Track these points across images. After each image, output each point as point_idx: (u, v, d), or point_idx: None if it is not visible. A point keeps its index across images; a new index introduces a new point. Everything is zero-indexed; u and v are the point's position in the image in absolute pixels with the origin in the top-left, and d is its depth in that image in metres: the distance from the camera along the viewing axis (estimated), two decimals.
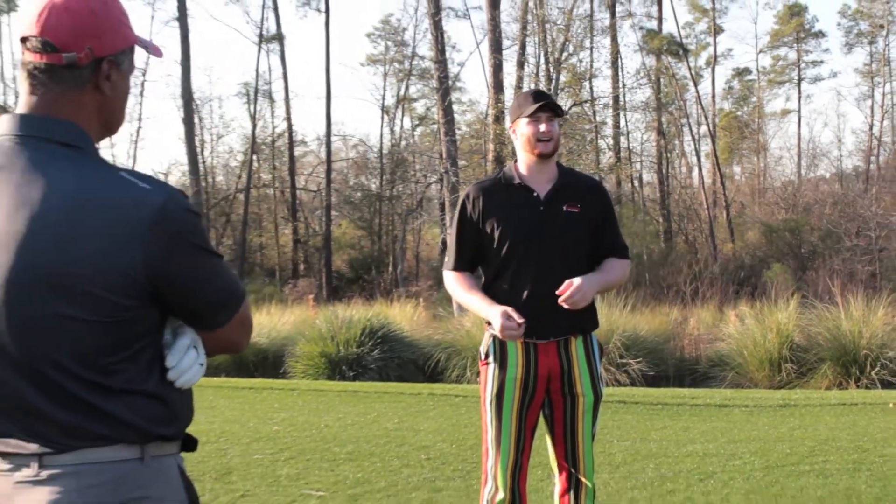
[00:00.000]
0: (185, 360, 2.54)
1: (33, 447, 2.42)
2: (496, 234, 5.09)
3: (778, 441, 9.45)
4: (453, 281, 5.28)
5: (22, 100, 2.52)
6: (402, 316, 22.07)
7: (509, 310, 4.82)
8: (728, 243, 44.67)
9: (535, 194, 5.10)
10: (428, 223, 51.79)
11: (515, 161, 5.30)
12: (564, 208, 5.08)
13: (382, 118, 55.33)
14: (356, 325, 19.20)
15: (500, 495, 5.11)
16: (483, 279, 5.27)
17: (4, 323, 2.38)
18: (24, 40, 2.47)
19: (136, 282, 2.39)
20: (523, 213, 5.08)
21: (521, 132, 5.13)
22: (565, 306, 4.82)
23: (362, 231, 52.40)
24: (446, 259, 5.37)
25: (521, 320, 4.78)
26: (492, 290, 5.12)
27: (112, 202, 2.39)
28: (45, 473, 2.41)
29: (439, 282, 37.19)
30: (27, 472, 2.43)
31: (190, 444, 2.66)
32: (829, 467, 8.28)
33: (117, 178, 2.44)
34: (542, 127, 5.05)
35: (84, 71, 2.49)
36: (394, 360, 18.74)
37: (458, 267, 5.27)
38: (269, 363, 18.82)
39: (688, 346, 19.92)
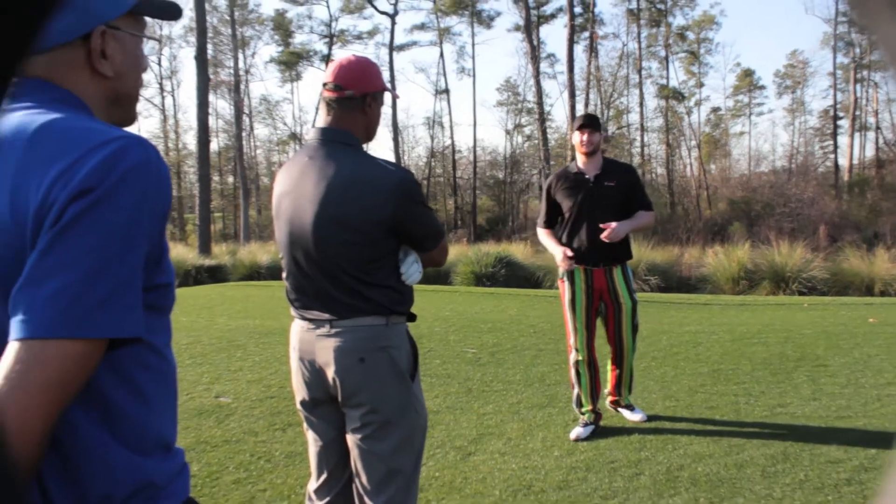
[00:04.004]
0: (411, 268, 2.57)
1: (326, 316, 2.50)
2: (564, 203, 5.16)
3: (739, 325, 9.23)
4: (542, 232, 5.32)
5: (321, 118, 2.61)
6: (518, 250, 21.96)
7: (567, 251, 4.99)
8: (707, 210, 43.89)
9: (586, 177, 5.11)
10: (532, 197, 51.95)
11: (574, 159, 5.30)
12: (605, 184, 5.07)
13: (505, 136, 55.66)
14: (491, 255, 19.18)
15: (580, 357, 5.20)
16: (560, 230, 5.29)
17: (312, 245, 2.48)
18: (324, 84, 2.55)
19: (386, 223, 2.44)
20: (579, 189, 5.10)
21: (575, 140, 5.16)
22: (606, 240, 4.92)
23: (494, 202, 52.55)
24: (538, 220, 5.40)
25: (571, 255, 5.00)
26: (564, 237, 5.17)
27: (373, 177, 2.44)
28: (333, 331, 2.49)
29: None
30: (323, 330, 2.51)
31: (412, 317, 2.68)
32: (769, 340, 8.05)
33: (376, 163, 2.48)
34: (585, 137, 5.08)
35: (356, 101, 2.53)
36: (513, 276, 18.68)
37: (544, 225, 5.31)
38: (442, 276, 18.96)
39: (684, 270, 19.55)
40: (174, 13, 1.48)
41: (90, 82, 1.31)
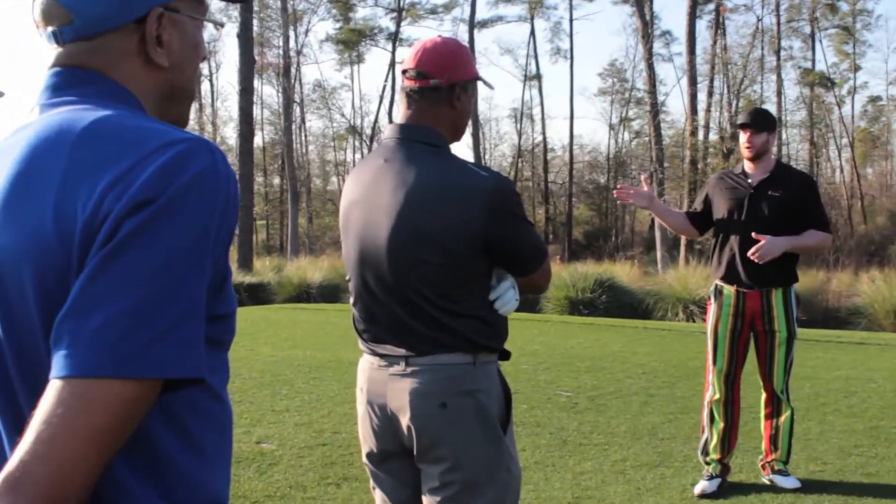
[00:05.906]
0: (507, 295, 2.57)
1: (402, 351, 2.52)
2: (719, 208, 5.27)
3: None
4: (682, 213, 5.64)
5: (400, 113, 2.63)
6: (622, 271, 21.82)
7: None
8: (862, 225, 42.94)
9: (748, 181, 5.20)
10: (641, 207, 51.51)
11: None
12: (769, 192, 5.11)
13: (609, 132, 55.45)
14: (590, 277, 19.06)
15: (717, 395, 5.23)
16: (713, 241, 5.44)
17: (386, 265, 2.50)
18: (404, 72, 2.58)
19: (476, 240, 2.44)
20: (734, 193, 5.21)
21: (740, 141, 5.30)
22: (753, 258, 4.89)
23: (593, 212, 52.39)
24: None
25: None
26: (715, 248, 5.31)
27: (462, 185, 2.45)
28: (409, 370, 2.50)
29: (650, 248, 38.04)
30: (397, 369, 2.52)
31: (505, 355, 2.68)
32: None
33: (465, 168, 2.51)
34: (744, 139, 5.18)
35: (443, 92, 2.54)
36: (615, 303, 18.51)
37: (689, 210, 5.59)
38: (530, 302, 18.80)
39: (831, 299, 19.20)
40: None
41: (143, 74, 1.34)
